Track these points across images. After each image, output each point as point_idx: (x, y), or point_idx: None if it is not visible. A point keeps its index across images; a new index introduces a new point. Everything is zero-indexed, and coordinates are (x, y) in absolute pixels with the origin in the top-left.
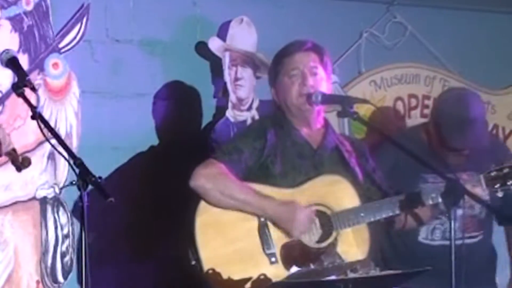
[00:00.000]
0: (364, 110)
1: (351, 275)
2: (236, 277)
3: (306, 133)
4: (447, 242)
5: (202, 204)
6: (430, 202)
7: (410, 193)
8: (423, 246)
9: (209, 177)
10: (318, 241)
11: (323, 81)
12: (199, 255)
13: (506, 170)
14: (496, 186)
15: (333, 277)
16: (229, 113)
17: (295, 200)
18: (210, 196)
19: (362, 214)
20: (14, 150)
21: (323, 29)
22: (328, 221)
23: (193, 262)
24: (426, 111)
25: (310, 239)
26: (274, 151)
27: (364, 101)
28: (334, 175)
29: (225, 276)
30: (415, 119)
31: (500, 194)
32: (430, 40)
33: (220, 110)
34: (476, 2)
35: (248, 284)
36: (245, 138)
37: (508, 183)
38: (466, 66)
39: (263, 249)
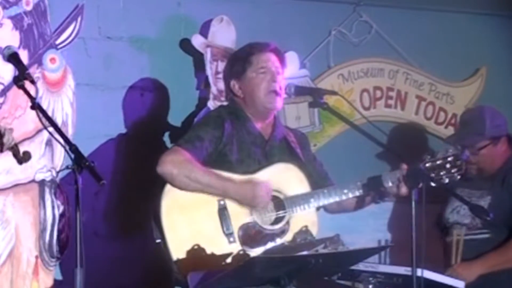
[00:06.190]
0: (333, 101)
1: (322, 250)
2: (200, 254)
3: (259, 126)
4: None
5: (167, 188)
6: (390, 184)
7: (371, 177)
8: None
9: (175, 163)
10: (272, 224)
11: (283, 81)
12: (164, 235)
13: (439, 162)
14: (430, 176)
15: (305, 253)
16: (211, 104)
17: (253, 178)
18: (177, 181)
19: (312, 199)
20: (16, 145)
21: (295, 27)
22: (281, 205)
23: (158, 241)
24: (390, 101)
25: (264, 221)
26: (231, 139)
27: (333, 92)
28: (286, 163)
29: (190, 253)
30: (379, 109)
31: (433, 184)
32: (393, 37)
33: (202, 101)
34: (435, 3)
35: (216, 259)
36: (205, 126)
37: (441, 174)
38: (427, 61)
39: (223, 230)
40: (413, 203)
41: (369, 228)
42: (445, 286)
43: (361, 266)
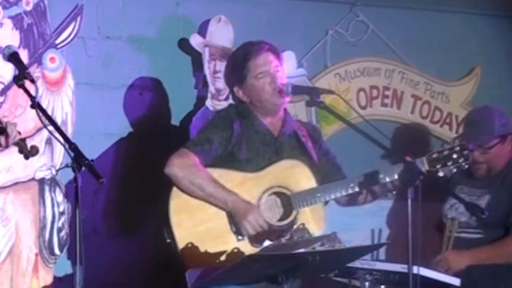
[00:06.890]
0: (329, 100)
1: (319, 248)
2: (208, 253)
3: (269, 122)
4: None
5: (175, 188)
6: (386, 180)
7: (367, 173)
8: None
9: (182, 166)
10: (280, 220)
11: (284, 75)
12: (174, 234)
13: (446, 152)
14: (437, 167)
15: (302, 250)
16: (209, 103)
17: (255, 205)
18: (181, 185)
19: (318, 194)
20: (22, 140)
21: (292, 27)
22: (288, 201)
23: (168, 240)
24: (386, 100)
25: (273, 217)
26: (240, 139)
27: (330, 91)
28: (293, 160)
29: (198, 252)
30: (376, 108)
31: (441, 174)
32: (389, 37)
33: (201, 100)
34: (431, 3)
35: (223, 257)
36: (214, 128)
37: (448, 164)
38: (422, 60)
39: (231, 227)
40: (409, 200)
41: (366, 226)
42: (441, 283)
43: (357, 264)
